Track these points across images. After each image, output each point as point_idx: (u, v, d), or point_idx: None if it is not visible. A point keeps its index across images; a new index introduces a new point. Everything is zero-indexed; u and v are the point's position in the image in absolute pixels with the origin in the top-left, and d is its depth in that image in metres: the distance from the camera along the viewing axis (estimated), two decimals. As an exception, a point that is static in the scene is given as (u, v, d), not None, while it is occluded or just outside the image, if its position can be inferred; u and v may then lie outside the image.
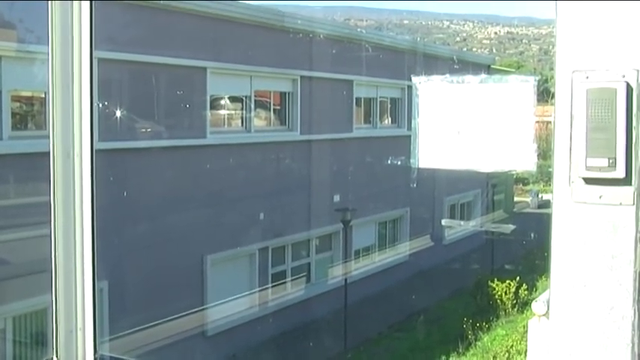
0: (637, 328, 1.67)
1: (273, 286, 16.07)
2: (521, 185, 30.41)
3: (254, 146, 15.68)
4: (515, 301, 17.31)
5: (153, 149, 13.43)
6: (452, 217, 22.24)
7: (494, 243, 21.31)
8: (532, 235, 19.75)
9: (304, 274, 17.22)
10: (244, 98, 15.64)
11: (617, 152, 1.66)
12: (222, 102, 15.77)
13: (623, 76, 1.66)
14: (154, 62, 13.17)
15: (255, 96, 15.86)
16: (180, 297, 13.50)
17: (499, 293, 17.33)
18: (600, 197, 1.70)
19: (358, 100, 18.97)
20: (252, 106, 15.79)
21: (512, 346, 14.54)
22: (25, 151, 10.05)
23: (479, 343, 15.55)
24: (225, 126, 15.67)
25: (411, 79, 2.11)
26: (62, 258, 2.56)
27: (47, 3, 2.50)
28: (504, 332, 15.93)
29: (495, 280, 17.61)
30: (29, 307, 10.49)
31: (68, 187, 2.56)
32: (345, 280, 17.08)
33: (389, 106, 20.47)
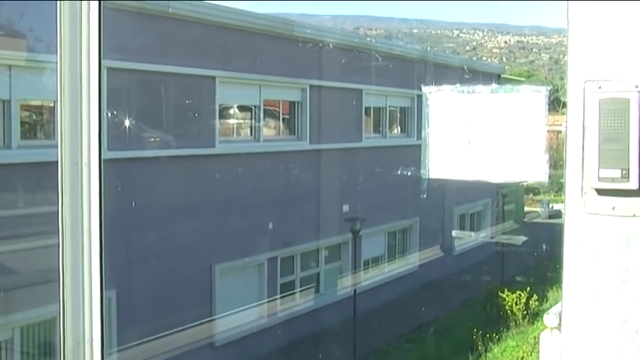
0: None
1: (282, 297, 16.05)
2: (531, 195, 30.32)
3: (263, 156, 15.69)
4: (525, 312, 17.24)
5: (161, 158, 13.44)
6: (461, 227, 22.18)
7: (505, 254, 21.25)
8: (543, 246, 19.69)
9: (313, 284, 17.19)
10: (253, 107, 15.66)
11: (631, 163, 1.65)
12: (231, 111, 15.79)
13: (637, 87, 1.65)
14: (163, 71, 13.19)
15: (264, 105, 15.87)
16: (189, 307, 13.49)
17: (509, 304, 17.26)
18: (613, 209, 1.69)
19: (367, 109, 18.95)
20: (261, 115, 15.80)
21: (522, 357, 14.48)
22: (34, 160, 10.08)
23: (489, 354, 15.48)
24: (234, 135, 15.69)
25: (420, 89, 2.11)
26: (70, 268, 2.55)
27: (56, 3, 2.50)
28: (515, 343, 15.86)
29: (506, 290, 17.55)
30: (37, 317, 10.50)
31: (76, 197, 2.55)
32: (355, 290, 17.03)
33: (398, 115, 20.44)
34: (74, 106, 2.55)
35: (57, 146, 2.55)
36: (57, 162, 2.55)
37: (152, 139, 13.48)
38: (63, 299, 2.54)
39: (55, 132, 2.58)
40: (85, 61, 2.56)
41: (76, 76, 2.55)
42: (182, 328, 12.74)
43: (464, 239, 21.81)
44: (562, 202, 1.80)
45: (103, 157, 2.60)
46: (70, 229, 2.55)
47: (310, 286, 17.04)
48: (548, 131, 1.91)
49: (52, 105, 11.00)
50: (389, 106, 19.74)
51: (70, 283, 2.55)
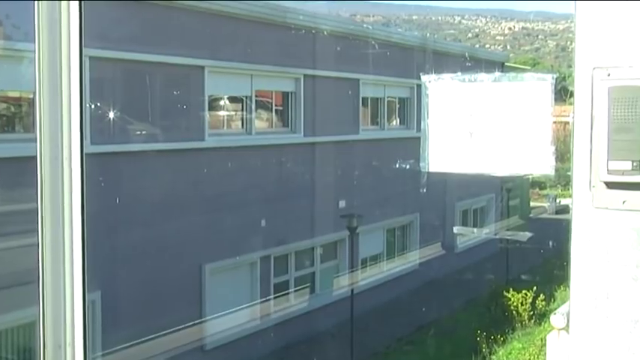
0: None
1: (275, 297, 16.06)
2: (537, 189, 30.40)
3: (255, 149, 15.68)
4: (532, 313, 17.29)
5: (148, 153, 13.43)
6: (464, 223, 22.23)
7: (510, 251, 21.29)
8: (550, 242, 19.74)
9: (308, 284, 17.20)
10: (244, 98, 15.65)
11: (642, 155, 1.65)
12: (222, 102, 15.78)
13: (648, 74, 1.65)
14: (149, 61, 13.17)
15: (256, 96, 15.87)
16: (178, 308, 13.49)
17: (515, 304, 17.30)
18: (623, 203, 1.69)
19: (365, 100, 18.96)
20: (253, 106, 15.79)
21: (529, 360, 14.52)
22: (12, 155, 10.05)
23: (494, 357, 15.52)
24: (225, 128, 15.68)
25: (420, 78, 2.10)
26: (50, 268, 2.54)
27: (33, 3, 2.49)
28: (521, 345, 15.90)
29: (511, 290, 17.59)
30: (15, 320, 10.49)
31: (56, 193, 2.54)
32: (352, 290, 17.05)
33: (397, 106, 20.46)
34: (54, 97, 2.54)
35: (36, 140, 2.54)
36: (36, 156, 2.54)
37: (138, 133, 13.46)
38: (43, 301, 2.53)
39: (35, 125, 2.57)
40: (65, 49, 2.54)
41: (56, 66, 2.54)
42: (170, 330, 12.74)
43: (466, 236, 21.86)
44: (569, 196, 1.80)
45: (85, 152, 2.59)
46: (50, 227, 2.54)
47: (305, 286, 17.06)
48: (555, 122, 1.90)
49: (30, 96, 10.98)
50: (387, 97, 19.75)
51: (51, 284, 2.54)
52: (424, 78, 2.08)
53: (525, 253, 21.19)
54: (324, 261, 17.77)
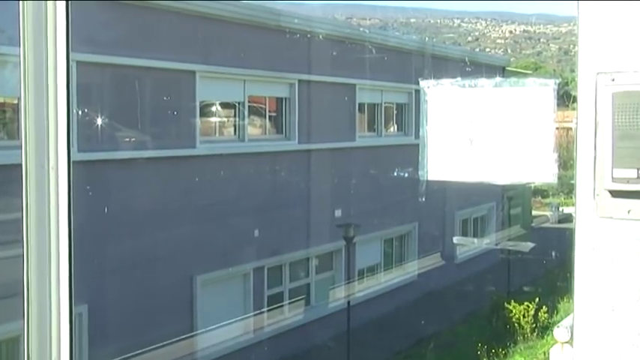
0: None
1: (269, 310, 16.03)
2: (539, 198, 30.42)
3: (248, 157, 15.68)
4: (534, 325, 17.28)
5: (137, 160, 13.41)
6: (464, 232, 22.22)
7: (511, 262, 21.29)
8: (552, 252, 19.74)
9: (303, 296, 17.18)
10: (237, 104, 15.65)
11: (647, 162, 1.64)
12: (213, 108, 15.77)
13: (653, 79, 1.65)
14: (138, 65, 13.16)
15: (248, 102, 15.86)
16: (168, 322, 13.46)
17: (517, 316, 17.30)
18: (629, 212, 1.68)
19: (361, 105, 18.97)
20: (246, 112, 15.79)
21: (531, 374, 14.51)
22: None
23: (495, 371, 15.52)
24: (217, 135, 15.67)
25: (418, 83, 2.10)
26: (35, 280, 2.53)
27: (18, 3, 2.48)
28: (523, 359, 15.89)
29: (512, 302, 17.58)
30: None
31: (42, 202, 2.54)
32: (348, 302, 17.04)
33: (395, 112, 20.47)
34: (40, 103, 2.54)
35: (21, 147, 2.53)
36: (21, 164, 2.53)
37: (127, 140, 13.45)
38: (28, 315, 2.52)
39: (19, 131, 2.56)
40: (51, 53, 2.54)
41: (42, 71, 2.54)
42: (160, 344, 12.71)
43: (466, 246, 21.85)
44: (572, 205, 1.80)
45: (72, 159, 2.58)
46: (35, 237, 2.53)
47: (300, 298, 17.03)
48: (558, 128, 1.90)
49: (15, 102, 10.95)
50: (384, 102, 19.76)
51: (36, 297, 2.53)
52: (423, 83, 2.08)
53: (527, 264, 21.20)
54: (319, 272, 17.75)
